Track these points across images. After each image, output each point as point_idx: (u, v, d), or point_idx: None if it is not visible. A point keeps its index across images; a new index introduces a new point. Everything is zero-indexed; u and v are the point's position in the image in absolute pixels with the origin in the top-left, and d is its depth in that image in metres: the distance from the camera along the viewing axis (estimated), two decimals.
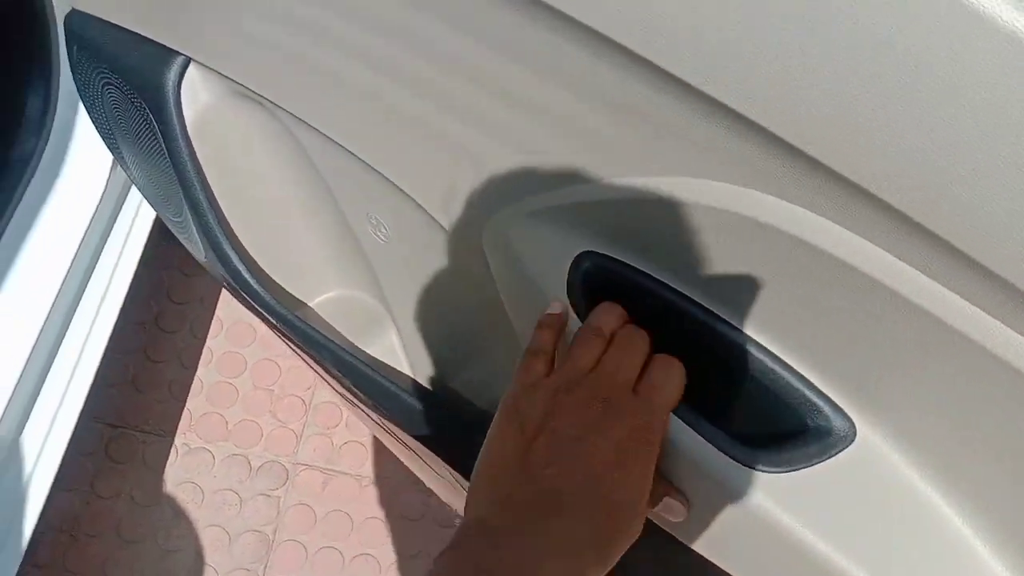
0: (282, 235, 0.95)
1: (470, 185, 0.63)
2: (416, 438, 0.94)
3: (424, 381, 0.93)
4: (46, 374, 1.15)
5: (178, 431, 1.63)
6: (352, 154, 0.73)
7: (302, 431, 1.65)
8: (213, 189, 0.90)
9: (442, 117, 0.60)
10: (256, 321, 1.74)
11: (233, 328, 1.75)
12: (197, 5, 0.73)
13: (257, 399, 1.67)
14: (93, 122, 1.02)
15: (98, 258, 1.24)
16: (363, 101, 0.66)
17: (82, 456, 1.44)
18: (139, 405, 1.63)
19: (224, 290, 1.73)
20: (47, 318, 1.12)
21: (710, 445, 0.51)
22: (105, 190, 1.22)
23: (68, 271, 1.15)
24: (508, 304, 0.66)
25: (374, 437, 1.65)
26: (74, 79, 0.98)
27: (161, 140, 0.87)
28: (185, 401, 1.66)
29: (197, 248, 0.96)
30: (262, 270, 0.96)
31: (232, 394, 1.68)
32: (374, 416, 1.06)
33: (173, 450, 1.61)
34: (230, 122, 0.86)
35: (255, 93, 0.78)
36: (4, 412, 1.04)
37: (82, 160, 1.22)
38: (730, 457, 0.51)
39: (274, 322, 0.96)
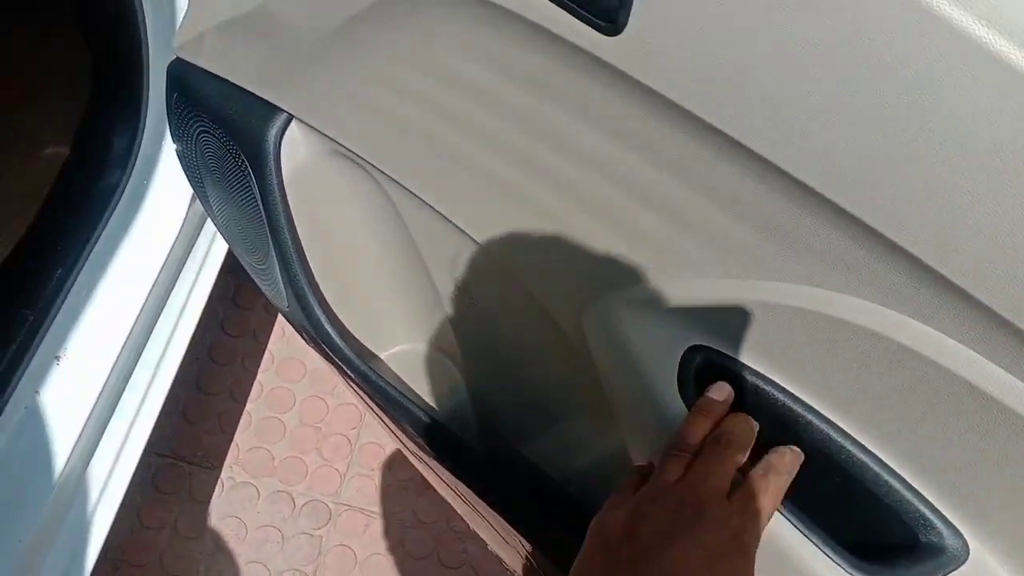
0: (363, 288, 0.97)
1: (579, 267, 0.65)
2: (482, 499, 0.95)
3: (495, 443, 0.94)
4: (115, 405, 1.18)
5: (225, 464, 1.65)
6: (449, 220, 0.75)
7: (346, 470, 1.67)
8: (302, 241, 0.92)
9: (561, 201, 0.61)
10: (307, 357, 1.77)
11: (284, 363, 1.77)
12: (311, 69, 0.76)
13: (304, 436, 1.69)
14: (183, 165, 1.06)
15: (171, 290, 1.27)
16: (473, 176, 0.68)
17: (130, 485, 1.46)
18: (189, 436, 1.65)
19: (277, 325, 1.76)
20: (121, 350, 1.15)
21: (820, 553, 0.51)
22: (183, 225, 1.26)
23: (144, 303, 1.18)
24: (610, 387, 0.67)
25: (419, 480, 1.66)
26: (170, 123, 1.02)
27: (256, 190, 0.90)
28: (233, 434, 1.68)
29: (279, 297, 0.98)
30: (341, 322, 0.98)
31: (280, 430, 1.70)
32: (437, 469, 1.07)
33: (219, 483, 1.63)
34: (325, 178, 0.89)
35: (355, 154, 0.81)
36: (75, 444, 1.07)
37: (163, 194, 1.25)
38: (840, 567, 0.51)
39: (349, 373, 0.98)
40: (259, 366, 1.75)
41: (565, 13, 0.49)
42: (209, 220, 1.37)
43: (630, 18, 0.46)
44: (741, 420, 0.51)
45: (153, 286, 1.20)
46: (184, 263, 1.30)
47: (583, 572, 0.47)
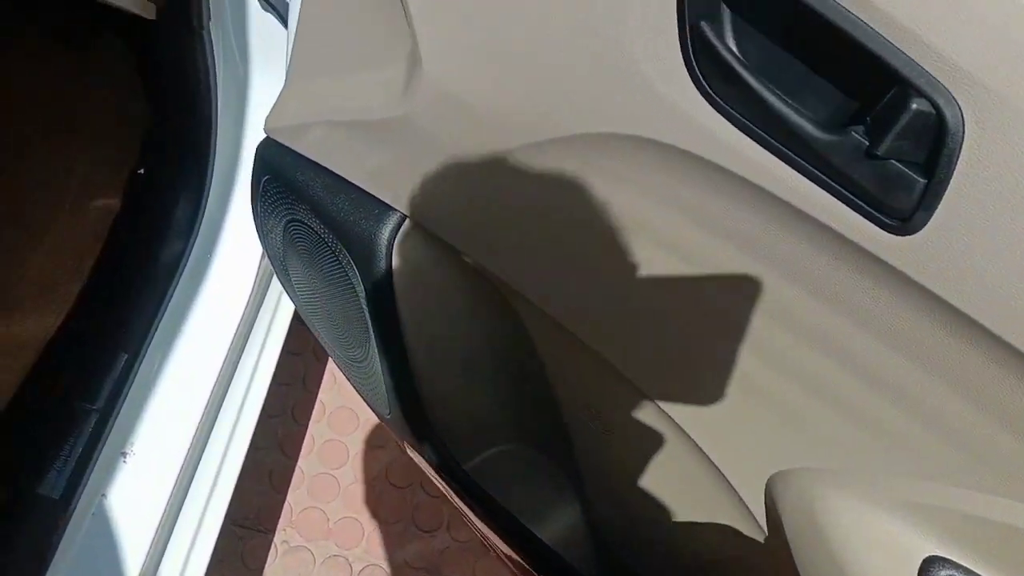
0: (470, 392, 0.89)
1: (785, 440, 0.57)
2: None
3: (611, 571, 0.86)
4: (183, 501, 1.10)
5: (278, 527, 1.57)
6: (595, 352, 0.67)
7: (404, 531, 1.59)
8: (407, 345, 0.84)
9: (780, 376, 0.53)
10: (359, 407, 1.69)
11: (336, 414, 1.69)
12: (451, 183, 0.68)
13: (358, 494, 1.62)
14: (264, 245, 0.97)
15: (236, 369, 1.19)
16: (661, 333, 0.60)
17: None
18: (238, 496, 1.58)
19: (328, 372, 1.68)
20: (191, 442, 1.07)
21: None
22: (252, 293, 1.17)
23: (212, 387, 1.10)
24: (806, 568, 0.59)
25: (479, 541, 1.58)
26: (253, 208, 0.93)
27: (360, 290, 0.82)
28: (286, 494, 1.60)
29: (379, 402, 0.90)
30: (443, 429, 0.90)
31: (334, 487, 1.62)
32: None
33: (272, 548, 1.56)
34: (444, 284, 0.81)
35: (486, 269, 0.72)
36: (148, 548, 0.99)
37: (228, 266, 1.17)
38: None
39: (448, 480, 0.90)
40: (310, 417, 1.67)
41: (849, 210, 0.42)
42: (271, 288, 1.28)
43: (930, 219, 0.39)
44: None
45: (221, 368, 1.11)
46: (248, 337, 1.22)
47: None
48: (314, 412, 1.69)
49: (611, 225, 0.58)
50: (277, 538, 1.57)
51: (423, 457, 0.93)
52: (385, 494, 1.63)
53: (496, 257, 0.70)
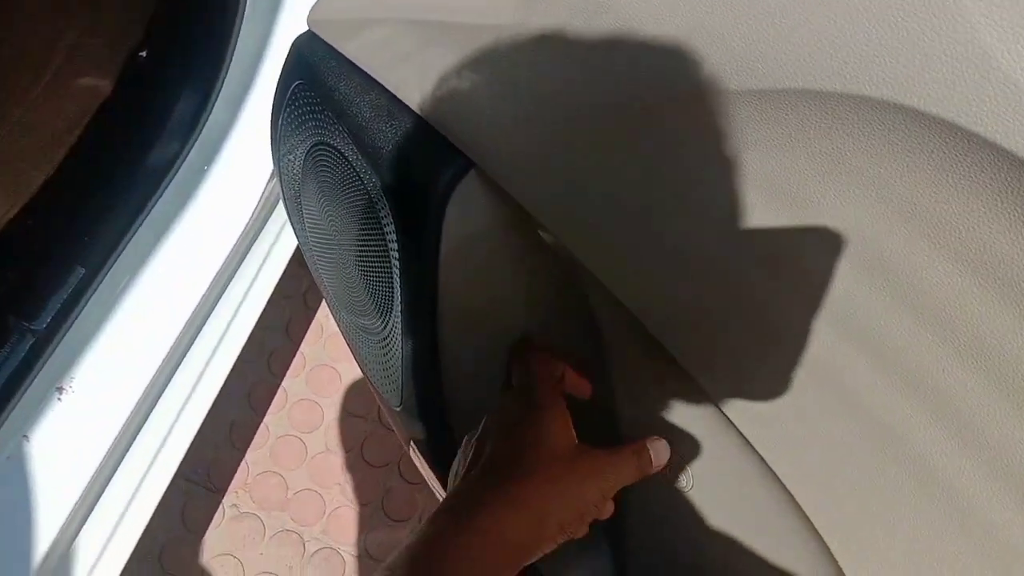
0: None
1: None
2: None
3: None
4: (125, 452, 0.92)
5: (230, 488, 1.40)
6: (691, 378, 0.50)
7: (371, 516, 1.42)
8: (441, 327, 0.66)
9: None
10: (344, 366, 1.51)
11: (316, 371, 1.51)
12: (557, 126, 0.49)
13: (326, 465, 1.44)
14: (277, 165, 0.78)
15: (220, 298, 1.01)
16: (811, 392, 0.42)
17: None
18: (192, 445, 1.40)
19: (316, 322, 1.50)
20: (149, 384, 0.89)
21: None
22: (250, 219, 0.99)
23: (189, 317, 0.92)
24: None
25: None
26: (274, 118, 0.74)
27: (393, 247, 0.64)
28: (245, 452, 1.43)
29: (391, 390, 0.72)
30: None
31: (300, 453, 1.45)
32: None
33: (220, 510, 1.38)
34: (506, 260, 0.62)
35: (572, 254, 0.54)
36: (70, 513, 0.81)
37: (229, 178, 0.98)
38: None
39: None
40: (287, 370, 1.50)
41: None
42: (272, 218, 1.09)
43: None
44: None
45: (199, 303, 0.93)
46: (237, 270, 1.04)
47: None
48: (292, 365, 1.51)
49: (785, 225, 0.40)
50: (226, 500, 1.39)
51: (431, 466, 0.75)
52: (357, 470, 1.45)
53: (593, 244, 0.52)
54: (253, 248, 1.06)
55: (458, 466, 0.58)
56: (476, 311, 0.66)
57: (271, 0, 0.84)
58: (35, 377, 0.82)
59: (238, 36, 0.90)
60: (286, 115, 0.72)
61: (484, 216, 0.61)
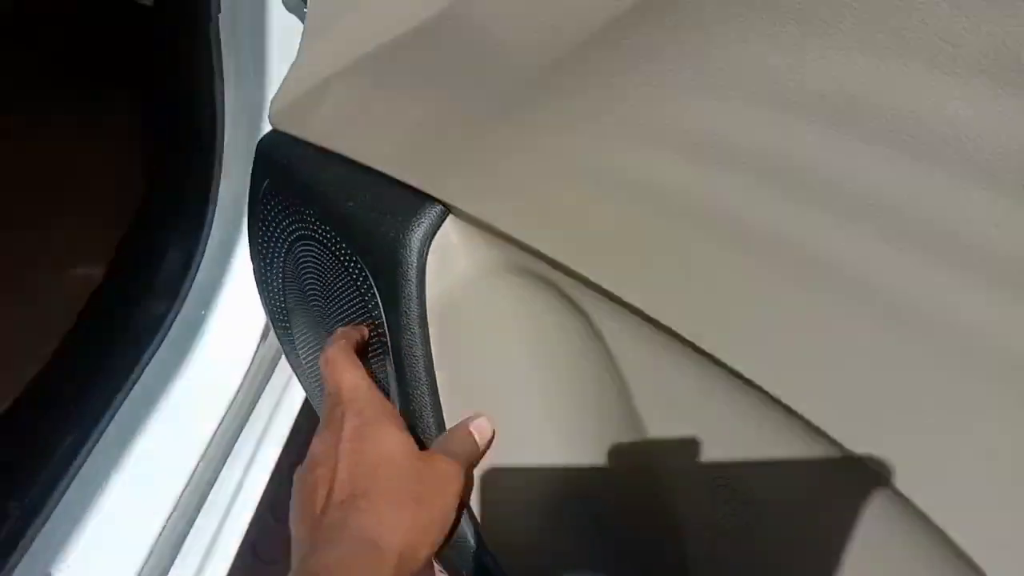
0: (530, 488, 0.63)
1: None
2: None
3: None
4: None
5: None
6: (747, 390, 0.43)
7: None
8: (441, 398, 0.60)
9: None
10: None
11: None
12: (507, 134, 0.46)
13: None
14: (261, 289, 0.76)
15: (218, 474, 0.95)
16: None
17: None
18: None
19: None
20: (143, 565, 0.81)
21: None
22: (245, 379, 0.95)
23: (180, 495, 0.86)
24: None
25: None
26: (251, 225, 0.73)
27: (383, 322, 0.59)
28: None
29: None
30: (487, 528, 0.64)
31: None
32: None
33: None
34: (492, 309, 0.58)
35: (562, 271, 0.49)
36: None
37: (222, 336, 0.95)
38: None
39: None
40: None
41: None
42: (271, 379, 1.06)
43: None
44: None
45: (195, 469, 0.87)
46: (238, 434, 0.98)
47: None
48: None
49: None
50: None
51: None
52: None
53: (612, 271, 0.47)
54: (254, 414, 1.02)
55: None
56: (480, 369, 0.60)
57: (245, 161, 0.86)
58: (20, 561, 0.75)
59: (220, 171, 0.91)
60: (261, 223, 0.70)
61: (472, 262, 0.57)
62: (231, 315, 0.95)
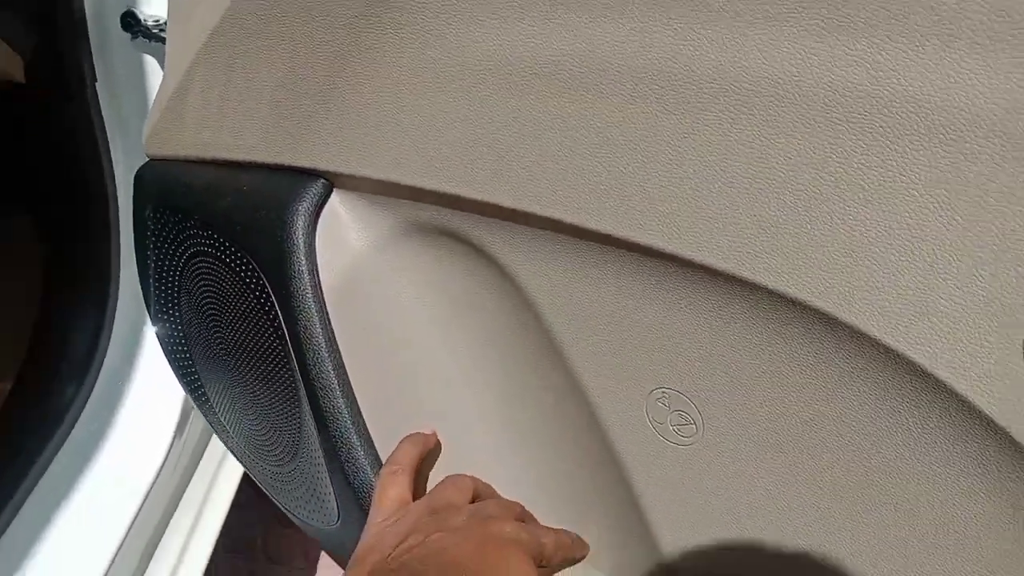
0: (464, 460, 0.60)
1: None
2: None
3: None
4: None
5: None
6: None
7: None
8: (357, 394, 0.57)
9: None
10: None
11: None
12: (361, 80, 0.47)
13: None
14: (160, 333, 0.73)
15: (156, 543, 0.89)
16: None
17: None
18: None
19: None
20: None
21: None
22: (166, 459, 0.90)
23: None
24: None
25: None
26: (139, 262, 0.71)
27: (280, 323, 0.57)
28: None
29: (320, 508, 0.62)
30: None
31: None
32: None
33: None
34: (395, 277, 0.56)
35: (456, 209, 0.48)
36: None
37: (139, 413, 0.92)
38: None
39: None
40: None
41: None
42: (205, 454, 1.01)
43: None
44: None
45: (115, 558, 0.82)
46: (171, 515, 0.93)
47: None
48: None
49: None
50: None
51: None
52: None
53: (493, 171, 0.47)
54: (185, 498, 0.97)
55: None
56: (394, 352, 0.58)
57: None
58: None
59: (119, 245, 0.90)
60: (151, 251, 0.68)
61: (366, 235, 0.56)
62: (145, 395, 0.92)
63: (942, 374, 0.33)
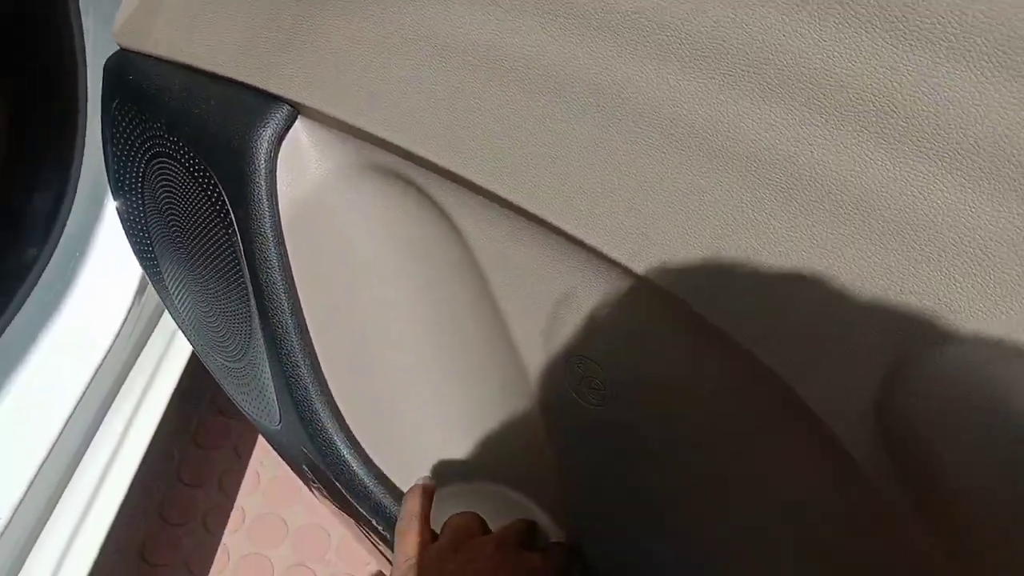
0: (401, 391, 0.64)
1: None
2: None
3: None
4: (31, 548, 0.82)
5: None
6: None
7: None
8: (306, 315, 0.61)
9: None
10: (290, 512, 1.41)
11: (259, 523, 1.41)
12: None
13: None
14: (124, 221, 0.75)
15: (98, 426, 0.94)
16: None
17: None
18: None
19: (251, 470, 1.41)
20: (10, 518, 0.80)
21: None
22: (123, 327, 0.94)
23: (51, 448, 0.85)
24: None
25: None
26: (105, 150, 0.72)
27: (237, 238, 0.60)
28: None
29: (265, 408, 0.66)
30: (362, 446, 0.65)
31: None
32: None
33: None
34: (351, 211, 0.59)
35: (413, 161, 0.51)
36: None
37: (99, 279, 0.94)
38: None
39: (379, 528, 0.65)
40: (226, 525, 1.39)
41: None
42: (162, 320, 1.05)
43: None
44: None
45: (68, 421, 0.86)
46: (121, 383, 0.97)
47: None
48: (231, 520, 1.40)
49: None
50: None
51: (331, 493, 0.67)
52: None
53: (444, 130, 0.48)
54: (136, 368, 1.01)
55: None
56: (343, 280, 0.61)
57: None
58: None
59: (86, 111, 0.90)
60: (115, 144, 0.70)
61: (324, 166, 0.58)
62: (104, 266, 0.94)
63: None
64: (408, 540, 0.55)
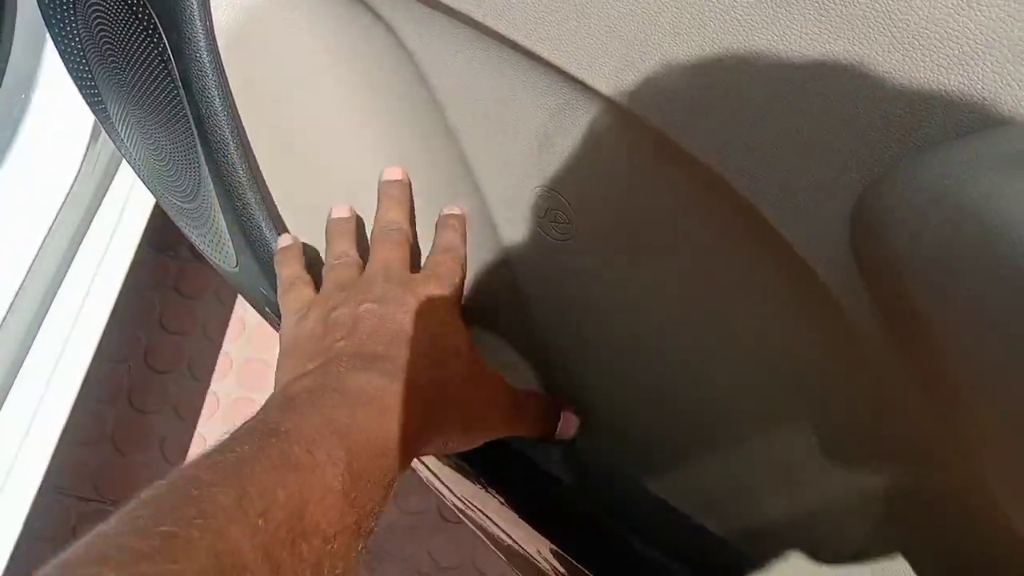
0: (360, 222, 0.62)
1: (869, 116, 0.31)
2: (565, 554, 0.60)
3: (601, 472, 0.59)
4: None
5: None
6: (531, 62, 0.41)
7: None
8: (253, 145, 0.57)
9: None
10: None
11: (246, 368, 1.42)
12: None
13: None
14: (62, 54, 0.70)
15: (65, 272, 0.92)
16: None
17: (42, 541, 1.12)
18: (119, 470, 1.30)
19: (236, 316, 1.41)
20: None
21: None
22: (79, 172, 0.90)
23: (15, 294, 0.83)
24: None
25: (433, 513, 1.32)
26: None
27: (172, 65, 0.55)
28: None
29: (222, 251, 0.64)
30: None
31: None
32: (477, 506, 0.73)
33: None
34: (292, 31, 0.54)
35: None
36: None
37: (44, 126, 0.90)
38: None
39: None
40: (213, 373, 1.40)
41: None
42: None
43: None
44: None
45: (30, 270, 0.84)
46: (84, 231, 0.95)
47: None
48: (219, 366, 1.42)
49: None
50: None
51: None
52: None
53: None
54: (100, 211, 0.97)
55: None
56: (289, 105, 0.57)
57: None
58: None
59: None
60: None
61: None
62: (52, 108, 0.89)
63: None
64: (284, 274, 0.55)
